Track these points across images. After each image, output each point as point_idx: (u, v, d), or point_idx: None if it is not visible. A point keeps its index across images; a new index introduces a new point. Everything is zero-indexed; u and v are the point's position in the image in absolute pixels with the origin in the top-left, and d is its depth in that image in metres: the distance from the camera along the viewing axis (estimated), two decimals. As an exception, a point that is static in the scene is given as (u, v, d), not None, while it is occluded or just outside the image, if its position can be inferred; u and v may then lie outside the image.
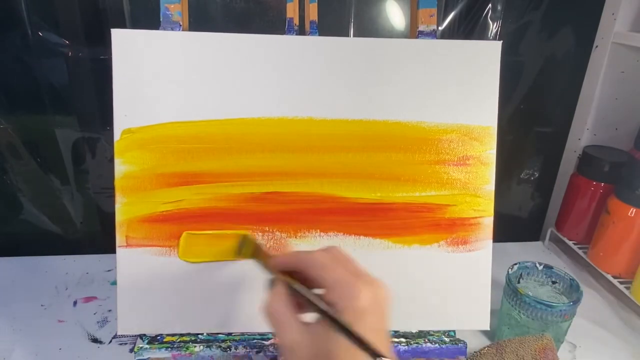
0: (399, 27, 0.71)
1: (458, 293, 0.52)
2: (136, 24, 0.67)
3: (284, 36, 0.50)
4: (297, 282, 0.34)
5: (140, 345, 0.51)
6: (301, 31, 0.52)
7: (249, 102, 0.49)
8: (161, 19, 0.49)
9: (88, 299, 0.66)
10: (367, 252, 0.51)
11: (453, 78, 0.51)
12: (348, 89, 0.50)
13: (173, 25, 0.49)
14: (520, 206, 0.89)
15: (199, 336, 0.52)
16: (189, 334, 0.52)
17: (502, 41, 0.51)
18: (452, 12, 0.71)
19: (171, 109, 0.48)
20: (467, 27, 0.72)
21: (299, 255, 0.35)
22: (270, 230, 0.50)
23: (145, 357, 0.51)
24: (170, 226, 0.50)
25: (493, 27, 0.72)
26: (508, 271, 0.58)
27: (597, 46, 0.74)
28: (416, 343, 0.52)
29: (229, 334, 0.52)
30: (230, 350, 0.51)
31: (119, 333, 0.51)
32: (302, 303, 0.34)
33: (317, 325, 0.32)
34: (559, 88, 0.79)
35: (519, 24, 0.73)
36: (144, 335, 0.52)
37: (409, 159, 0.51)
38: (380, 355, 0.28)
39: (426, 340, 0.53)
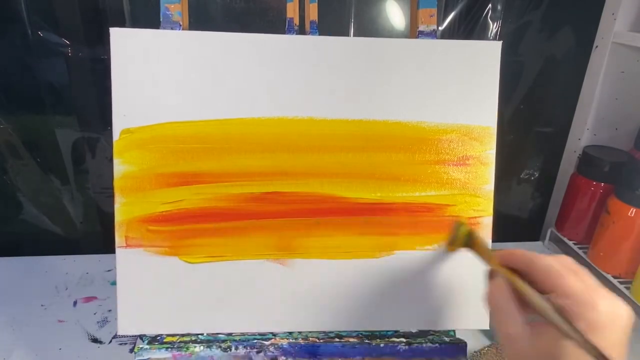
0: (399, 27, 0.71)
1: (458, 293, 0.52)
2: (136, 24, 0.67)
3: (284, 36, 0.50)
4: (522, 280, 0.33)
5: (140, 345, 0.51)
6: (301, 31, 0.52)
7: (248, 102, 0.49)
8: (161, 19, 0.49)
9: (88, 299, 0.66)
10: (367, 253, 0.51)
11: (453, 78, 0.51)
12: (348, 89, 0.50)
13: (173, 25, 0.49)
14: (520, 206, 0.89)
15: (199, 336, 0.52)
16: (189, 334, 0.52)
17: (502, 41, 0.51)
18: (452, 12, 0.71)
19: (171, 108, 0.48)
20: (467, 27, 0.72)
21: (529, 255, 0.34)
22: (272, 230, 0.50)
23: (145, 357, 0.51)
24: (170, 226, 0.50)
25: (493, 27, 0.72)
26: (508, 271, 0.58)
27: (597, 46, 0.74)
28: (416, 343, 0.52)
29: (229, 334, 0.52)
30: (230, 350, 0.51)
31: (119, 333, 0.51)
32: (523, 302, 0.33)
33: (542, 327, 0.31)
34: (559, 88, 0.79)
35: (519, 24, 0.73)
36: (144, 335, 0.52)
37: (409, 159, 0.51)
38: None
39: (426, 340, 0.53)
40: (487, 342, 0.58)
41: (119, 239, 0.49)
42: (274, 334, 0.52)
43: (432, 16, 0.52)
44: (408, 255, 0.52)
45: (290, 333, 0.52)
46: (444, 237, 0.51)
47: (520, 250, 0.35)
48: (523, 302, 0.33)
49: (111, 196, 0.49)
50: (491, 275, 0.36)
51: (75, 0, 0.64)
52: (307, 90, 0.50)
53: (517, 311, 0.32)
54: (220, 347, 0.51)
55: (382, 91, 0.50)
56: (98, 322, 0.62)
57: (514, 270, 0.35)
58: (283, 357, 0.51)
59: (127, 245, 0.49)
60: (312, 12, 0.51)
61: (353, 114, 0.50)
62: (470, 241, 0.41)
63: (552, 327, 0.30)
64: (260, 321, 0.52)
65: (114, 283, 0.69)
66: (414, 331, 0.54)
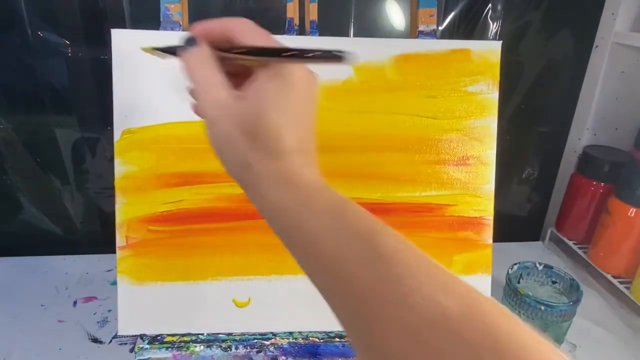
0: (399, 27, 0.71)
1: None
2: (136, 24, 0.67)
3: (284, 36, 0.50)
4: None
5: (140, 345, 0.51)
6: (301, 31, 0.52)
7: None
8: (161, 19, 0.49)
9: (88, 299, 0.66)
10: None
11: (453, 78, 0.51)
12: (348, 89, 0.50)
13: (173, 25, 0.49)
14: (520, 206, 0.89)
15: (199, 336, 0.52)
16: (189, 334, 0.52)
17: (502, 41, 0.51)
18: (452, 12, 0.71)
19: (171, 109, 0.48)
20: (467, 27, 0.72)
21: (222, 20, 0.32)
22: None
23: (145, 357, 0.51)
24: (170, 226, 0.50)
25: (493, 27, 0.72)
26: (508, 271, 0.58)
27: (597, 46, 0.74)
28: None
29: (229, 334, 0.52)
30: (230, 350, 0.51)
31: (119, 333, 0.51)
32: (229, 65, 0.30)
33: (247, 85, 0.29)
34: (559, 88, 0.79)
35: (519, 24, 0.73)
36: (144, 335, 0.52)
37: (409, 159, 0.51)
38: (339, 54, 0.27)
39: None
40: (487, 342, 0.58)
41: (119, 239, 0.49)
42: (274, 334, 0.52)
43: (432, 16, 0.52)
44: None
45: (291, 333, 0.52)
46: (444, 237, 0.51)
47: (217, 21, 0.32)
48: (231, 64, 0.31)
49: (111, 196, 0.49)
50: (189, 42, 0.31)
51: (75, 0, 0.64)
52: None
53: (223, 76, 0.29)
54: (220, 346, 0.51)
55: (382, 91, 0.50)
56: (98, 322, 0.62)
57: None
58: (283, 357, 0.51)
59: (128, 245, 0.50)
60: (312, 12, 0.51)
61: (353, 113, 0.50)
62: None
63: (265, 76, 0.29)
64: (260, 321, 0.52)
65: (114, 283, 0.69)
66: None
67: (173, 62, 0.49)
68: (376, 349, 0.23)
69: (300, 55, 0.28)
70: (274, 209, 0.28)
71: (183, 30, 0.50)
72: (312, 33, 0.51)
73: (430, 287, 0.22)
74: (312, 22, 0.51)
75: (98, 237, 0.78)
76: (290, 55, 0.28)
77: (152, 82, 0.48)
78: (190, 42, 0.30)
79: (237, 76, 0.31)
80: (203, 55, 0.30)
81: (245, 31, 0.31)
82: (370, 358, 0.23)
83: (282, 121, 0.28)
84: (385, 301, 0.23)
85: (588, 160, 0.74)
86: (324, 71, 0.50)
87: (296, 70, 0.30)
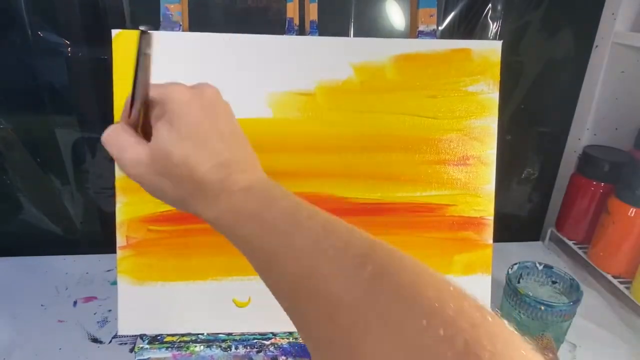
0: (399, 27, 0.71)
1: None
2: (136, 24, 0.67)
3: (284, 36, 0.50)
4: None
5: (140, 345, 0.51)
6: (301, 31, 0.52)
7: (248, 102, 0.49)
8: (161, 19, 0.49)
9: (88, 299, 0.66)
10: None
11: (453, 78, 0.51)
12: (348, 89, 0.50)
13: (173, 26, 0.49)
14: (520, 206, 0.89)
15: (199, 336, 0.52)
16: (189, 334, 0.52)
17: (502, 41, 0.51)
18: (452, 12, 0.71)
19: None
20: (467, 27, 0.72)
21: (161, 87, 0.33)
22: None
23: (145, 357, 0.51)
24: (170, 226, 0.50)
25: (493, 27, 0.72)
26: (508, 271, 0.58)
27: (597, 46, 0.74)
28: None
29: (229, 334, 0.52)
30: (230, 350, 0.51)
31: (119, 333, 0.51)
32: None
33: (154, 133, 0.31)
34: (559, 88, 0.79)
35: (519, 24, 0.73)
36: (144, 335, 0.52)
37: (409, 159, 0.51)
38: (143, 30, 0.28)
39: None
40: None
41: (120, 239, 0.49)
42: (274, 334, 0.52)
43: (432, 16, 0.52)
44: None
45: (291, 333, 0.52)
46: (445, 237, 0.51)
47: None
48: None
49: (111, 196, 0.49)
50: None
51: (75, 0, 0.64)
52: (307, 90, 0.50)
53: (132, 134, 0.32)
54: (220, 346, 0.51)
55: (382, 91, 0.50)
56: (98, 322, 0.62)
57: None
58: (283, 357, 0.52)
59: (128, 245, 0.50)
60: (312, 12, 0.51)
61: (353, 114, 0.50)
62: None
63: (156, 121, 0.31)
64: (260, 321, 0.52)
65: (114, 283, 0.69)
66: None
67: (173, 62, 0.49)
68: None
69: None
70: (218, 226, 0.31)
71: (183, 30, 0.50)
72: (312, 33, 0.51)
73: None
74: (312, 22, 0.51)
75: (98, 237, 0.78)
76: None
77: (152, 82, 0.48)
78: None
79: None
80: (115, 128, 0.32)
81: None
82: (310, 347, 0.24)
83: (183, 150, 0.30)
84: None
85: (588, 160, 0.74)
86: (323, 71, 0.50)
87: (174, 93, 0.31)
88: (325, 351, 0.23)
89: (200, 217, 0.32)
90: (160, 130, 0.30)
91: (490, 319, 0.19)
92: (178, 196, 0.31)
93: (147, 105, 0.32)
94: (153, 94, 0.32)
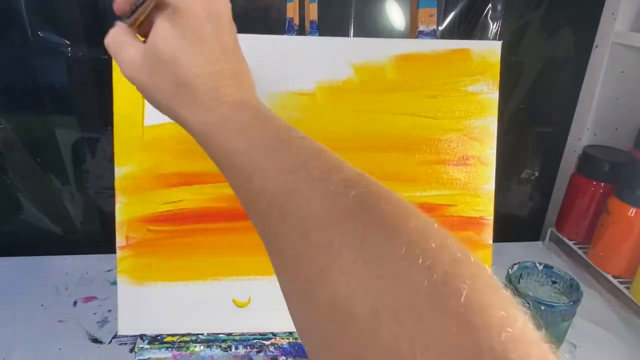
0: (399, 27, 0.71)
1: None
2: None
3: (284, 36, 0.50)
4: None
5: (141, 345, 0.51)
6: (301, 31, 0.52)
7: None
8: (161, 19, 0.49)
9: (88, 299, 0.66)
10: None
11: (453, 78, 0.51)
12: (348, 89, 0.50)
13: (173, 25, 0.49)
14: (520, 206, 0.89)
15: (199, 336, 0.52)
16: (189, 334, 0.52)
17: (502, 41, 0.51)
18: (452, 12, 0.71)
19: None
20: (467, 27, 0.72)
21: None
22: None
23: (145, 357, 0.51)
24: (170, 226, 0.50)
25: (493, 27, 0.72)
26: (508, 271, 0.58)
27: (597, 46, 0.74)
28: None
29: (229, 334, 0.52)
30: (230, 350, 0.51)
31: (119, 333, 0.51)
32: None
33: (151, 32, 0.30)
34: (559, 88, 0.79)
35: (519, 24, 0.73)
36: (144, 335, 0.52)
37: (409, 159, 0.51)
38: None
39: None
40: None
41: (119, 239, 0.49)
42: (274, 334, 0.52)
43: (432, 16, 0.52)
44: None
45: (291, 333, 0.52)
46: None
47: None
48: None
49: (111, 196, 0.49)
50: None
51: (75, 0, 0.64)
52: (307, 90, 0.50)
53: (131, 34, 0.32)
54: (220, 346, 0.51)
55: (382, 91, 0.50)
56: (98, 322, 0.62)
57: None
58: (283, 357, 0.52)
59: (128, 245, 0.50)
60: (312, 12, 0.51)
61: (353, 114, 0.50)
62: None
63: (156, 20, 0.30)
64: (260, 321, 0.52)
65: (114, 283, 0.69)
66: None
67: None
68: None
69: None
70: (201, 137, 0.29)
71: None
72: (312, 33, 0.51)
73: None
74: (312, 22, 0.51)
75: (98, 237, 0.78)
76: None
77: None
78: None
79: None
80: (117, 29, 0.33)
81: None
82: (281, 279, 0.23)
83: (175, 47, 0.29)
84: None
85: (588, 160, 0.74)
86: (323, 71, 0.50)
87: None
88: (294, 270, 0.22)
89: (184, 127, 0.30)
90: (157, 26, 0.30)
91: (473, 260, 0.18)
92: (164, 99, 0.30)
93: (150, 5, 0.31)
94: None
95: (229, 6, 0.33)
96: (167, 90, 0.30)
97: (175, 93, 0.29)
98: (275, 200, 0.23)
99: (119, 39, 0.32)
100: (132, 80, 0.31)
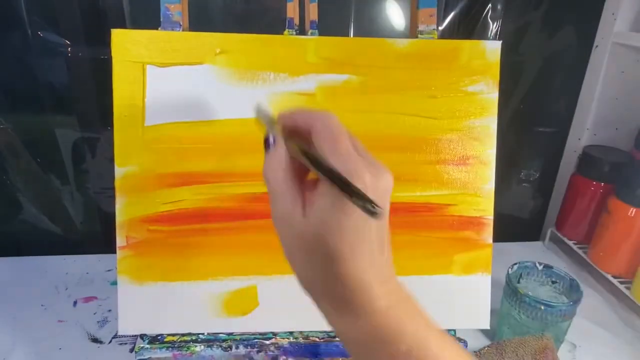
0: (399, 27, 0.71)
1: (458, 292, 0.52)
2: (136, 24, 0.67)
3: (284, 36, 0.50)
4: (303, 145, 0.29)
5: (141, 345, 0.51)
6: (301, 31, 0.52)
7: (249, 102, 0.49)
8: (161, 19, 0.49)
9: (88, 299, 0.66)
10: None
11: (453, 78, 0.51)
12: (348, 89, 0.50)
13: (173, 25, 0.49)
14: (520, 206, 0.89)
15: (200, 336, 0.52)
16: (189, 334, 0.52)
17: (502, 41, 0.51)
18: (452, 12, 0.71)
19: (171, 109, 0.48)
20: (467, 27, 0.72)
21: (307, 113, 0.30)
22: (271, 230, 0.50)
23: (145, 357, 0.51)
24: (170, 226, 0.50)
25: (493, 27, 0.72)
26: (508, 271, 0.58)
27: (597, 46, 0.74)
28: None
29: (230, 333, 0.52)
30: (230, 350, 0.51)
31: (119, 333, 0.51)
32: (301, 171, 0.30)
33: (316, 199, 0.28)
34: (559, 88, 0.79)
35: (519, 24, 0.73)
36: (144, 335, 0.52)
37: (409, 159, 0.51)
38: (373, 210, 0.24)
39: (426, 340, 0.53)
40: (487, 342, 0.58)
41: (119, 239, 0.49)
42: (275, 334, 0.52)
43: (432, 16, 0.52)
44: (408, 254, 0.52)
45: (291, 332, 0.52)
46: (444, 237, 0.51)
47: (301, 109, 0.31)
48: (303, 174, 0.30)
49: (111, 196, 0.49)
50: (268, 144, 0.30)
51: (75, 0, 0.64)
52: (307, 89, 0.50)
53: (292, 186, 0.29)
54: (220, 346, 0.51)
55: (382, 91, 0.50)
56: (98, 322, 0.62)
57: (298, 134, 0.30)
58: (284, 357, 0.52)
59: (128, 245, 0.50)
60: (312, 12, 0.51)
61: (353, 113, 0.50)
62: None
63: (326, 196, 0.27)
64: (261, 321, 0.52)
65: (114, 283, 0.69)
66: (414, 331, 0.54)
67: (173, 62, 0.49)
68: None
69: (345, 190, 0.26)
70: (347, 340, 0.29)
71: (183, 30, 0.50)
72: (312, 33, 0.51)
73: None
74: (312, 22, 0.51)
75: (98, 237, 0.78)
76: (338, 185, 0.26)
77: (152, 82, 0.48)
78: (268, 144, 0.30)
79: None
80: (279, 159, 0.29)
81: (322, 132, 0.29)
82: None
83: (341, 246, 0.27)
84: None
85: (588, 160, 0.74)
86: (323, 72, 0.50)
87: (368, 176, 0.27)
88: None
89: (328, 323, 0.30)
90: (325, 212, 0.27)
91: None
92: (309, 275, 0.29)
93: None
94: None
95: (391, 179, 0.29)
96: (316, 277, 0.29)
97: (324, 284, 0.28)
98: None
99: (279, 183, 0.29)
100: (277, 231, 0.30)
